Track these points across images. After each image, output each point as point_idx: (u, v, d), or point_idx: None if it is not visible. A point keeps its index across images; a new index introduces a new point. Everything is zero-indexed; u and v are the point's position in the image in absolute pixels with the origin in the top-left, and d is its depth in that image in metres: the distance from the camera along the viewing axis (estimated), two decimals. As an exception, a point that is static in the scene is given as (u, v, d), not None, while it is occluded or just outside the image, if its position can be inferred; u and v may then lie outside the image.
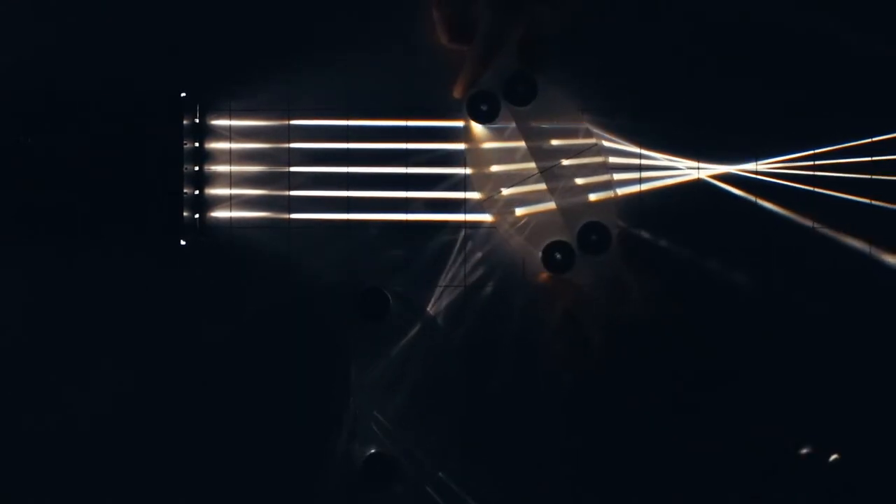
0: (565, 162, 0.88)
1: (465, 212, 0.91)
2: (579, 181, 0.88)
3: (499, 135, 0.89)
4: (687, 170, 0.90)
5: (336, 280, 0.90)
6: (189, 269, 0.90)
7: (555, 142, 0.89)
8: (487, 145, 0.89)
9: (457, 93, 0.89)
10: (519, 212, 0.89)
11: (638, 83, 0.90)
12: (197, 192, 0.90)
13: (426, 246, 0.91)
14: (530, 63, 0.87)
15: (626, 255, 0.87)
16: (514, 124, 0.88)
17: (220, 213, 0.91)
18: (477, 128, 0.89)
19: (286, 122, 0.91)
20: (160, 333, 0.90)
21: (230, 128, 0.92)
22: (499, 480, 0.90)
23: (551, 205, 0.88)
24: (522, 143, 0.88)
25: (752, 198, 0.90)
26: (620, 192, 0.90)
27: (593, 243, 0.87)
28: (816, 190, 0.89)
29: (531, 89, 0.87)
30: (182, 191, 0.87)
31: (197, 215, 0.90)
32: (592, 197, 0.88)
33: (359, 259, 0.91)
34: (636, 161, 0.90)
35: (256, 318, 0.90)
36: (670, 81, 0.90)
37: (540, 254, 0.88)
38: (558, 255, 0.88)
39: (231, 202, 0.92)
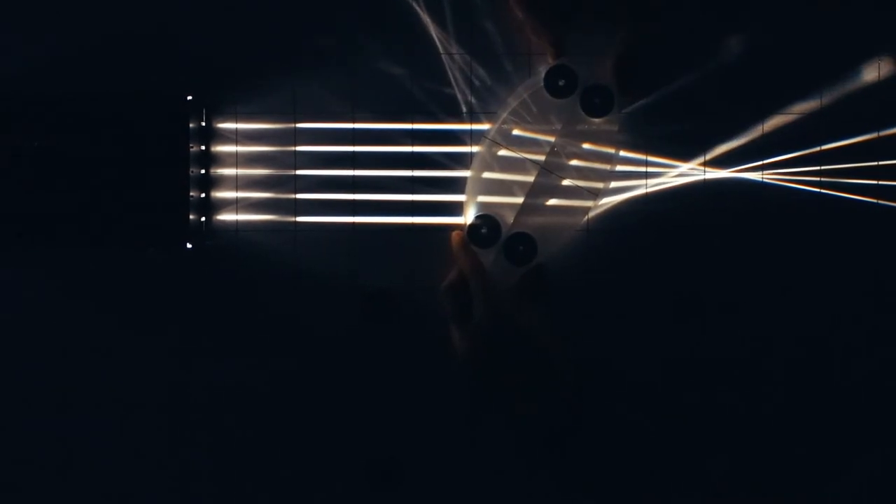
0: (566, 182, 0.89)
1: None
2: (561, 202, 0.89)
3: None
4: (692, 172, 0.90)
5: (341, 282, 0.91)
6: (195, 273, 0.91)
7: (574, 162, 0.89)
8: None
9: (550, 58, 0.89)
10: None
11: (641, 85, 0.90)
12: (203, 195, 0.91)
13: (430, 248, 0.91)
14: (621, 80, 0.88)
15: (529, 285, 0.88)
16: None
17: (226, 217, 0.92)
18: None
19: (292, 126, 0.91)
20: (166, 336, 0.91)
21: (236, 131, 0.92)
22: (497, 480, 0.91)
23: (519, 199, 0.89)
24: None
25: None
26: (623, 197, 0.90)
27: (519, 253, 0.88)
28: (822, 191, 0.90)
29: (608, 103, 0.88)
30: (188, 194, 0.87)
31: (203, 218, 0.90)
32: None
33: (364, 261, 0.91)
34: (642, 168, 0.91)
35: (262, 321, 0.91)
36: (673, 82, 0.90)
37: (466, 225, 0.89)
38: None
39: (237, 205, 0.92)
